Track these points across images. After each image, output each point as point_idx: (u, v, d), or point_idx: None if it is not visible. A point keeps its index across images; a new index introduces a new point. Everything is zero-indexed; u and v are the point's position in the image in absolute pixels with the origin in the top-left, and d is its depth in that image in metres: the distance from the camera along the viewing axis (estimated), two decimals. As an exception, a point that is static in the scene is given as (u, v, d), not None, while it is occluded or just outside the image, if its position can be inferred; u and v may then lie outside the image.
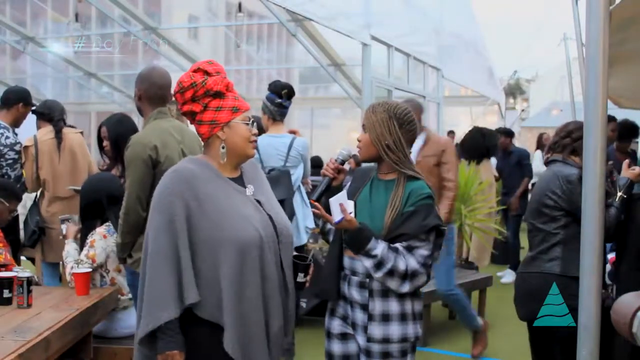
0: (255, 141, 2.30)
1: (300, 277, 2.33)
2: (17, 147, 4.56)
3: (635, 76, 3.96)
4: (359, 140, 2.49)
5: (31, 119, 4.84)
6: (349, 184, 2.60)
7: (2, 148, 4.48)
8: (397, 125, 2.41)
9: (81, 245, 3.60)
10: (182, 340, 2.13)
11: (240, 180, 2.32)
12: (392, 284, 2.33)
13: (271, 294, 2.22)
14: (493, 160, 7.76)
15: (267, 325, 2.21)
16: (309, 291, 2.56)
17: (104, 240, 3.51)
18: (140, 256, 2.77)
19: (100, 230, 3.55)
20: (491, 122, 12.57)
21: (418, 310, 2.44)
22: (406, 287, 2.33)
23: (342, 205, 2.31)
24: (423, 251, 2.34)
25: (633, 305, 1.73)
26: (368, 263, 2.33)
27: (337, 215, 2.32)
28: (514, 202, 7.50)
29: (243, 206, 2.24)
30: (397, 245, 2.33)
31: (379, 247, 2.31)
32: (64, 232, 3.73)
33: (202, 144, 2.36)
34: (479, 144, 7.03)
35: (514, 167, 7.73)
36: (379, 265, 2.30)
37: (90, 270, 3.41)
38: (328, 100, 13.88)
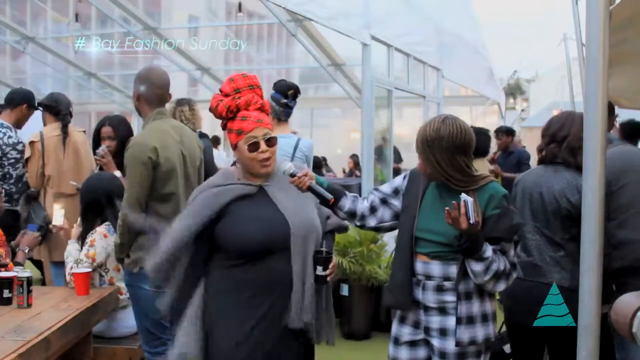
0: (266, 159, 2.39)
1: (319, 271, 2.33)
2: (19, 147, 4.55)
3: (635, 76, 3.95)
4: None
5: (38, 117, 4.81)
6: (406, 181, 2.51)
7: (4, 147, 4.48)
8: (458, 152, 2.28)
9: (81, 244, 3.60)
10: None
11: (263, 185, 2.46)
12: (490, 284, 2.31)
13: (278, 294, 2.36)
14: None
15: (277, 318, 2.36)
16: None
17: (104, 239, 3.51)
18: (138, 256, 2.78)
19: (101, 229, 3.55)
20: (491, 122, 12.56)
21: (494, 310, 2.45)
22: (502, 286, 2.35)
23: (473, 205, 2.17)
24: (512, 250, 2.36)
25: (633, 305, 1.72)
26: (479, 267, 2.26)
27: (471, 217, 2.17)
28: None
29: (260, 211, 2.39)
30: (492, 247, 2.31)
31: (489, 249, 2.27)
32: (59, 220, 3.75)
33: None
34: None
35: (514, 167, 7.71)
36: (488, 268, 2.26)
37: (90, 270, 3.41)
38: (328, 100, 13.87)
